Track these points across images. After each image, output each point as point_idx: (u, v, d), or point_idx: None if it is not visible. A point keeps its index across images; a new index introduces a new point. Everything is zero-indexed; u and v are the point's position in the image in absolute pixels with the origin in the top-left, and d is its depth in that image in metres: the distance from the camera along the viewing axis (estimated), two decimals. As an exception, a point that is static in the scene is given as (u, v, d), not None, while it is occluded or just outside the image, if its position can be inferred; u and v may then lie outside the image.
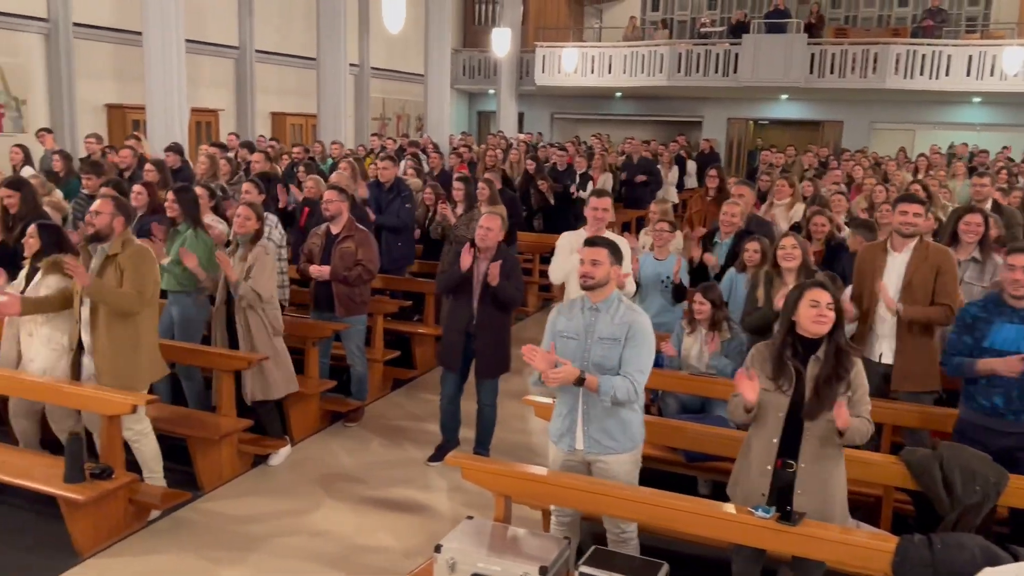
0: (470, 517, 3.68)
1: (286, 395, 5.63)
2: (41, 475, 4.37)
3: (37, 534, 4.54)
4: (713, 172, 8.30)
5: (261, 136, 14.55)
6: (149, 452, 4.82)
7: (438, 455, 5.60)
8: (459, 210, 7.62)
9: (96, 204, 4.62)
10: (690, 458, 4.69)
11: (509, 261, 5.37)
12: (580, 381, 3.61)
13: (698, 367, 5.21)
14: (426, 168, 11.55)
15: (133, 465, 4.76)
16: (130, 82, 13.57)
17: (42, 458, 4.68)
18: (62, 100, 12.99)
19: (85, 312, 4.63)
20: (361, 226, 6.17)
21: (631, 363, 3.65)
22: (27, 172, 8.60)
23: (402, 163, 10.59)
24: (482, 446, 5.59)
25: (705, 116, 21.93)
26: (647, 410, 4.63)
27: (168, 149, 9.34)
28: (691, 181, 14.72)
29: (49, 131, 10.52)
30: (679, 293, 5.91)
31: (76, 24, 12.98)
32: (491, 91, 22.78)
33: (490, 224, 5.32)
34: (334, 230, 6.06)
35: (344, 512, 4.97)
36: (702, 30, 21.02)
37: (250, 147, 10.52)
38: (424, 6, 18.70)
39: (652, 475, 4.19)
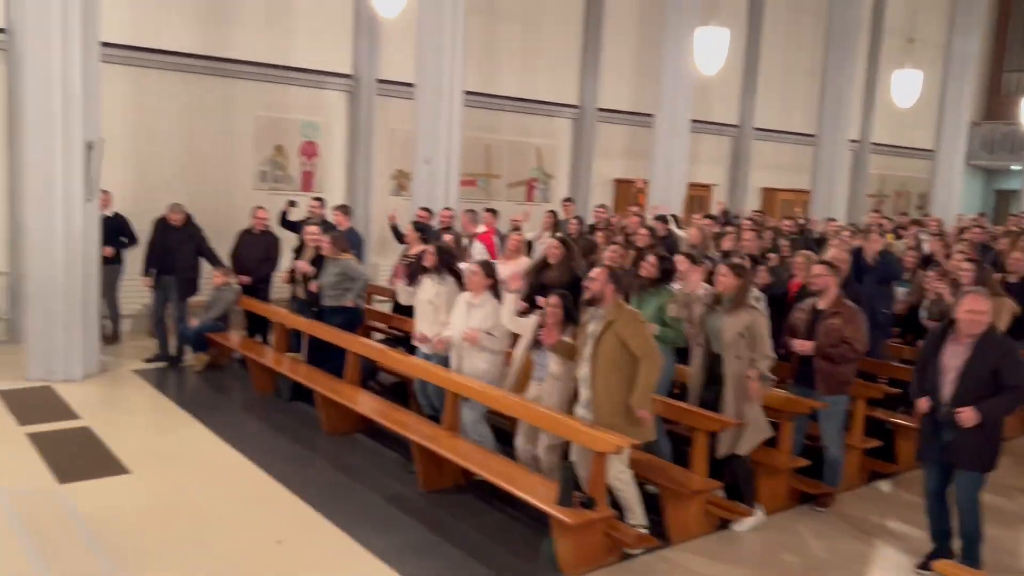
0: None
1: (757, 464, 5.63)
2: (539, 494, 4.99)
3: (529, 547, 5.18)
4: None
5: (755, 211, 14.83)
6: (631, 498, 5.22)
7: (926, 563, 5.05)
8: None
9: (593, 272, 5.29)
10: None
11: (1001, 350, 4.67)
12: None
13: None
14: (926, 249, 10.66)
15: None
16: (636, 159, 15.03)
17: (539, 479, 5.34)
18: (579, 174, 14.89)
19: (584, 370, 5.23)
20: (850, 303, 5.95)
21: None
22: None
23: (900, 242, 9.96)
24: (969, 557, 4.87)
25: None
26: None
27: (657, 218, 10.20)
28: None
29: (572, 201, 12.12)
30: None
31: (599, 109, 14.83)
32: (1015, 167, 20.11)
33: (974, 305, 4.68)
34: (821, 305, 5.93)
35: (807, 597, 4.76)
36: None
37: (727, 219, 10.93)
38: (940, 78, 17.39)
39: None
